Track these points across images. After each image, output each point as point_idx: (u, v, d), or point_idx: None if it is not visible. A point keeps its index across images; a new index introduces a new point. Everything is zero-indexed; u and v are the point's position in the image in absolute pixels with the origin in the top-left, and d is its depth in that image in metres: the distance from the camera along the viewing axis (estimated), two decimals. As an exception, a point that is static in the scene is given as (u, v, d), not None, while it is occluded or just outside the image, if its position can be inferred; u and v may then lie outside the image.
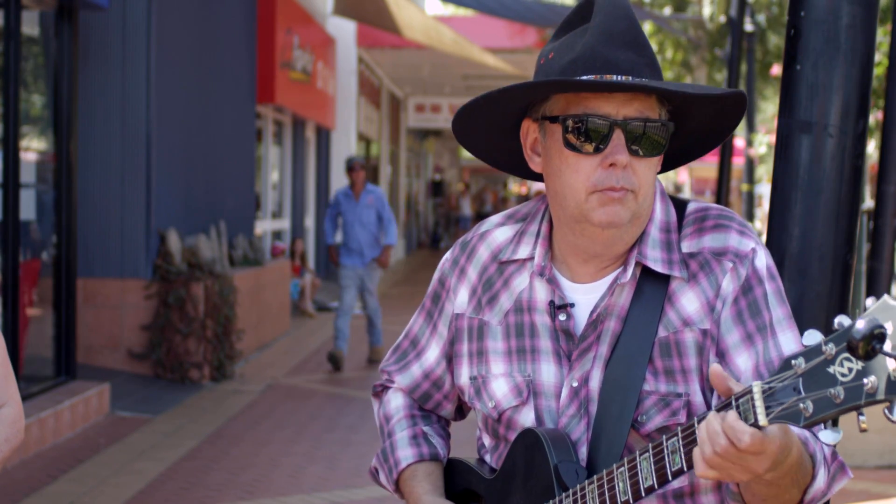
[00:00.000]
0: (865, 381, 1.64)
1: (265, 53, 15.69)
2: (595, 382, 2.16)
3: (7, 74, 8.63)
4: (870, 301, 1.66)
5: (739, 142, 27.57)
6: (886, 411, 1.64)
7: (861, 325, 1.62)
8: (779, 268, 2.86)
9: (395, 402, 2.46)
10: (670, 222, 2.19)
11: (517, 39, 22.98)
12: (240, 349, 11.94)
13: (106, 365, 10.79)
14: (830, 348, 1.68)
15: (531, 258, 2.25)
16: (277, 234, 18.46)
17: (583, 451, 2.15)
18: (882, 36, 11.99)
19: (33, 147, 9.93)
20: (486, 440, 2.33)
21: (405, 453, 2.37)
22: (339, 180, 22.36)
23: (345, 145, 22.38)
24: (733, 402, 1.81)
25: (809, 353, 1.71)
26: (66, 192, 9.71)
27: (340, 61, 21.95)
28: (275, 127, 18.24)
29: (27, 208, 9.44)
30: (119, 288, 10.83)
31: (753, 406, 1.77)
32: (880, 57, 11.74)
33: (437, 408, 2.44)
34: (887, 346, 1.62)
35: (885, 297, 1.66)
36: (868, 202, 12.74)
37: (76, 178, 9.84)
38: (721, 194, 15.15)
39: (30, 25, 9.59)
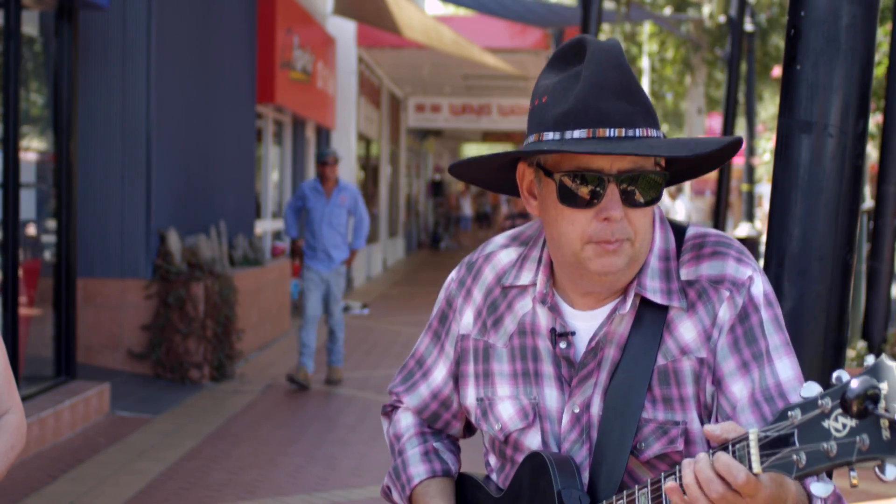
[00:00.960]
0: (858, 438, 1.66)
1: (265, 53, 15.69)
2: (596, 409, 2.18)
3: (7, 74, 8.63)
4: (869, 359, 1.68)
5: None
6: (878, 470, 1.66)
7: (855, 384, 1.64)
8: (779, 268, 2.87)
9: (405, 420, 2.48)
10: (669, 250, 2.20)
11: (518, 39, 22.96)
12: (240, 349, 11.94)
13: (106, 365, 10.79)
14: (826, 402, 1.70)
15: (533, 284, 2.26)
16: (277, 234, 18.45)
17: (585, 476, 2.17)
18: (882, 36, 11.99)
19: (33, 147, 9.92)
20: (493, 460, 2.34)
21: (418, 470, 2.39)
22: (339, 180, 22.31)
23: (345, 145, 22.36)
24: (729, 448, 1.82)
25: (806, 405, 1.73)
26: (66, 192, 9.70)
27: (340, 61, 21.94)
28: (275, 127, 18.23)
29: (27, 208, 9.44)
30: (119, 288, 10.82)
31: (749, 453, 1.78)
32: (880, 57, 11.73)
33: (447, 427, 2.46)
34: (881, 407, 1.64)
35: (883, 356, 1.69)
36: (868, 202, 12.74)
37: (76, 178, 9.84)
38: (721, 194, 15.15)
39: (30, 25, 9.58)
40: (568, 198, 2.11)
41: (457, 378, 2.37)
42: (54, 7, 9.50)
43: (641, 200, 2.11)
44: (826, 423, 1.69)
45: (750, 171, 21.59)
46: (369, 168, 26.12)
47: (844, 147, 2.83)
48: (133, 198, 10.86)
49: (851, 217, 2.86)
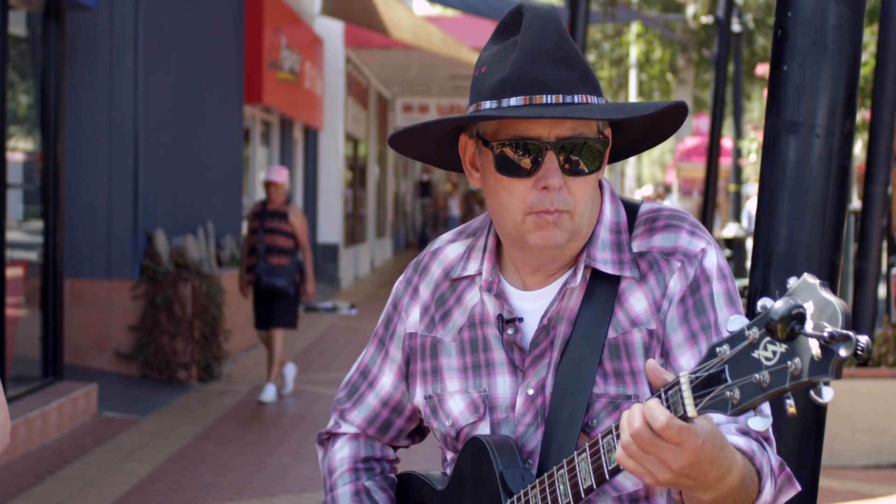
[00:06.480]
0: (790, 363, 1.60)
1: (253, 54, 15.67)
2: (549, 389, 2.13)
3: (-6, 74, 8.61)
4: (791, 281, 1.62)
5: (727, 142, 27.60)
6: (813, 393, 1.59)
7: (778, 306, 1.58)
8: (766, 268, 2.87)
9: (340, 454, 2.40)
10: (620, 223, 2.16)
11: (505, 40, 22.93)
12: (227, 350, 11.92)
13: (93, 365, 10.77)
14: (754, 332, 1.64)
15: (480, 273, 2.21)
16: (265, 235, 18.41)
17: (537, 458, 2.12)
18: (868, 36, 12.02)
19: (20, 147, 9.90)
20: (448, 455, 2.29)
21: None
22: (327, 181, 22.32)
23: (333, 146, 22.35)
24: (662, 395, 1.77)
25: (734, 338, 1.67)
26: (54, 193, 9.69)
27: (328, 61, 21.92)
28: (262, 127, 18.21)
29: (14, 209, 9.42)
30: (106, 288, 10.80)
31: (682, 397, 1.73)
32: (867, 57, 11.76)
33: (399, 435, 2.38)
34: (807, 327, 1.57)
35: (805, 275, 1.62)
36: (855, 202, 12.77)
37: (63, 179, 9.82)
38: (708, 195, 15.17)
39: (17, 25, 9.56)
40: (506, 167, 2.07)
41: (408, 378, 2.31)
42: (41, 7, 9.48)
43: (582, 169, 2.06)
44: (756, 354, 1.63)
45: (737, 171, 21.64)
46: (357, 168, 26.11)
47: (831, 147, 2.84)
48: (120, 198, 10.84)
49: (838, 217, 2.87)
